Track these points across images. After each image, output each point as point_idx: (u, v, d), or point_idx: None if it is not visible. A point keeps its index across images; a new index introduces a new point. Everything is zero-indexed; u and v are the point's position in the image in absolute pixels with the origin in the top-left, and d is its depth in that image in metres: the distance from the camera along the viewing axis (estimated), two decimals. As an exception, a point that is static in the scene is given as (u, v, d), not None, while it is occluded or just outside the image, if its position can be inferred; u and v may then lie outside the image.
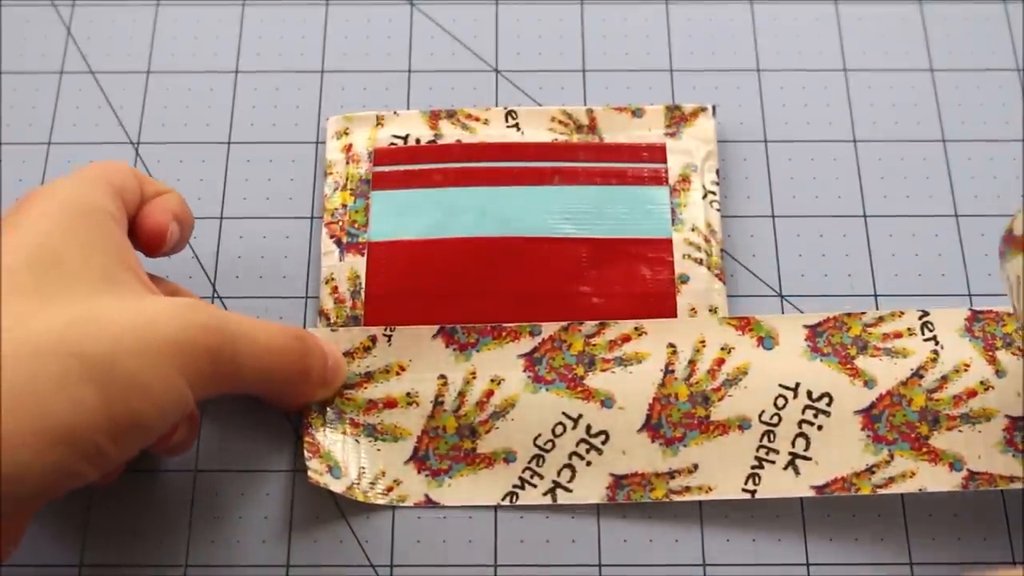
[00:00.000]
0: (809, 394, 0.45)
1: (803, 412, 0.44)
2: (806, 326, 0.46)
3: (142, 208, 0.43)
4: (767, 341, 0.45)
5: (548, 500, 0.44)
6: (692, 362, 0.45)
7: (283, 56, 0.52)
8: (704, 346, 0.45)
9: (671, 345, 0.45)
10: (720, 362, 0.45)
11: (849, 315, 0.46)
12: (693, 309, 0.46)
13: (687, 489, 0.43)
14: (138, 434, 0.37)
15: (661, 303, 0.46)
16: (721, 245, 0.48)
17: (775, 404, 0.44)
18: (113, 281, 0.38)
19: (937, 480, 0.43)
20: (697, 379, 0.45)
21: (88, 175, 0.41)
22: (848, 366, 0.45)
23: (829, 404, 0.44)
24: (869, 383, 0.45)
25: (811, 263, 0.48)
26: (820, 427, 0.44)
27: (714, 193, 0.48)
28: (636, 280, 0.47)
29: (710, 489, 0.43)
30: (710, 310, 0.46)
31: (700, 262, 0.47)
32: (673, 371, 0.45)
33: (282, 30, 0.53)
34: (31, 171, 0.50)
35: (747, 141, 0.50)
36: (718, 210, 0.48)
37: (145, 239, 0.42)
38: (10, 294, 0.36)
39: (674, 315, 0.46)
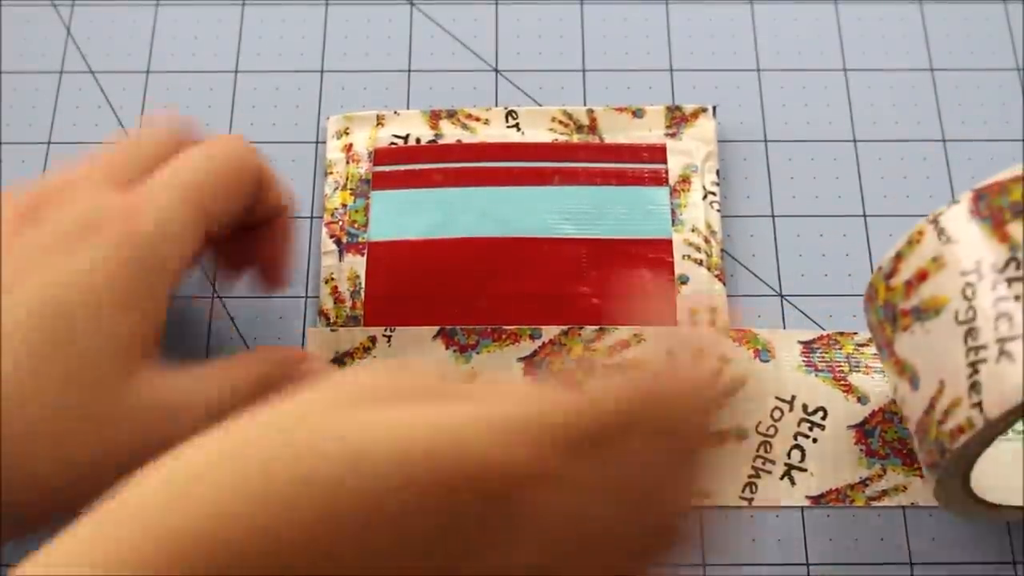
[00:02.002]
0: (804, 407, 0.45)
1: (799, 425, 0.44)
2: (800, 342, 0.46)
3: (272, 231, 0.42)
4: (763, 354, 0.46)
5: (548, 501, 0.44)
6: None
7: (283, 56, 0.52)
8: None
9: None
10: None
11: (842, 334, 0.46)
12: (693, 310, 0.46)
13: (686, 493, 0.44)
14: None
15: (661, 304, 0.46)
16: (721, 246, 0.48)
17: (772, 416, 0.45)
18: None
19: (928, 495, 0.43)
20: None
21: (199, 182, 0.38)
22: (842, 382, 0.45)
23: (824, 418, 0.45)
24: (862, 399, 0.45)
25: (811, 263, 0.48)
26: (815, 440, 0.44)
27: (714, 194, 0.48)
28: (636, 281, 0.47)
29: (707, 496, 0.44)
30: (710, 311, 0.46)
31: (700, 263, 0.47)
32: None
33: (282, 30, 0.53)
34: (31, 171, 0.50)
35: (747, 141, 0.50)
36: (718, 211, 0.48)
37: (262, 272, 0.42)
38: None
39: (674, 316, 0.46)
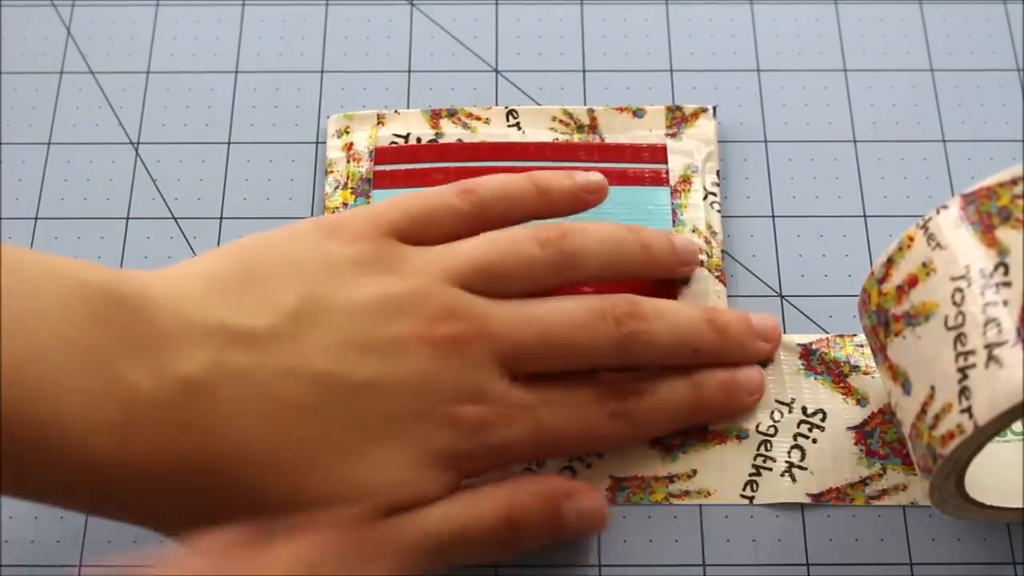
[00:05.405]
0: (804, 409, 0.45)
1: (798, 426, 0.44)
2: (799, 344, 0.46)
3: None
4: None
5: (548, 501, 0.44)
6: None
7: (283, 56, 0.52)
8: None
9: (671, 355, 0.45)
10: None
11: (841, 336, 0.46)
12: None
13: (686, 493, 0.44)
14: None
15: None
16: (722, 246, 0.48)
17: (771, 417, 0.45)
18: None
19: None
20: None
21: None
22: (841, 384, 0.45)
23: (823, 420, 0.45)
24: (862, 401, 0.45)
25: (811, 263, 0.48)
26: (815, 440, 0.44)
27: (715, 194, 0.48)
28: (637, 281, 0.47)
29: (709, 494, 0.44)
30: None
31: (701, 263, 0.47)
32: None
33: (282, 30, 0.53)
34: (31, 171, 0.50)
35: (747, 141, 0.50)
36: (719, 211, 0.48)
37: None
38: None
39: (674, 315, 0.46)
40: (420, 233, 0.42)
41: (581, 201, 0.44)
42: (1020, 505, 0.41)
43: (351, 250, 0.40)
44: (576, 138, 0.50)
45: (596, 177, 0.44)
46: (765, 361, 0.45)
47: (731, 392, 0.44)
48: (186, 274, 0.39)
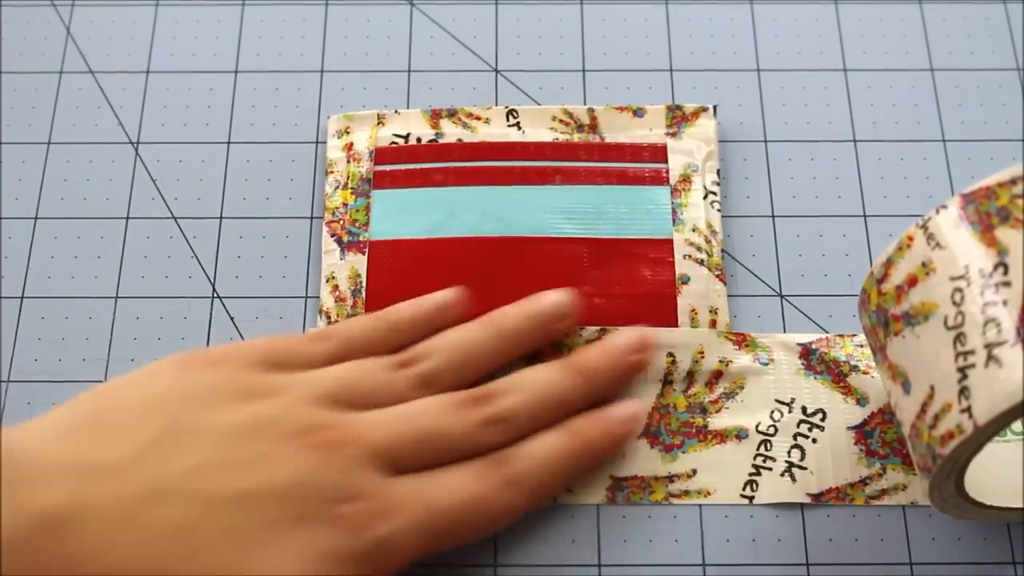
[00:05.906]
0: (804, 409, 0.45)
1: (798, 426, 0.45)
2: (799, 344, 0.46)
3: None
4: (762, 357, 0.46)
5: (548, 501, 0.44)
6: (691, 373, 0.45)
7: (283, 56, 0.52)
8: (703, 357, 0.45)
9: (670, 354, 0.45)
10: (718, 375, 0.45)
11: (841, 336, 0.46)
12: (694, 310, 0.46)
13: (686, 493, 0.44)
14: None
15: (661, 304, 0.46)
16: (722, 246, 0.48)
17: (771, 417, 0.45)
18: None
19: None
20: (695, 391, 0.45)
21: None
22: (841, 384, 0.45)
23: (823, 419, 0.45)
24: (861, 400, 0.45)
25: (811, 263, 0.48)
26: (815, 440, 0.44)
27: (715, 193, 0.49)
28: (637, 280, 0.47)
29: (709, 493, 0.44)
30: (710, 311, 0.46)
31: (701, 263, 0.47)
32: (672, 382, 0.45)
33: (282, 30, 0.53)
34: (31, 171, 0.50)
35: (747, 141, 0.51)
36: (719, 210, 0.48)
37: None
38: None
39: (675, 316, 0.46)
40: (281, 366, 0.42)
41: (431, 324, 0.44)
42: (1020, 505, 0.41)
43: (213, 378, 0.40)
44: (576, 138, 0.50)
45: (446, 296, 0.45)
46: (766, 360, 0.45)
47: (605, 425, 0.43)
48: (43, 424, 0.38)
